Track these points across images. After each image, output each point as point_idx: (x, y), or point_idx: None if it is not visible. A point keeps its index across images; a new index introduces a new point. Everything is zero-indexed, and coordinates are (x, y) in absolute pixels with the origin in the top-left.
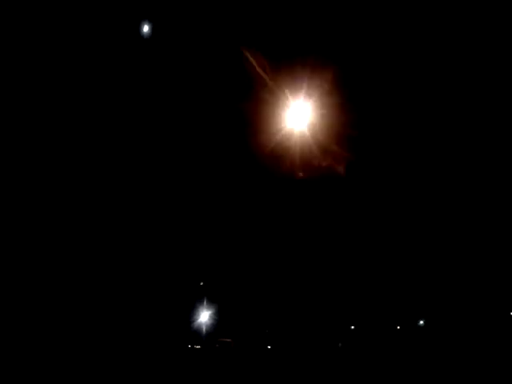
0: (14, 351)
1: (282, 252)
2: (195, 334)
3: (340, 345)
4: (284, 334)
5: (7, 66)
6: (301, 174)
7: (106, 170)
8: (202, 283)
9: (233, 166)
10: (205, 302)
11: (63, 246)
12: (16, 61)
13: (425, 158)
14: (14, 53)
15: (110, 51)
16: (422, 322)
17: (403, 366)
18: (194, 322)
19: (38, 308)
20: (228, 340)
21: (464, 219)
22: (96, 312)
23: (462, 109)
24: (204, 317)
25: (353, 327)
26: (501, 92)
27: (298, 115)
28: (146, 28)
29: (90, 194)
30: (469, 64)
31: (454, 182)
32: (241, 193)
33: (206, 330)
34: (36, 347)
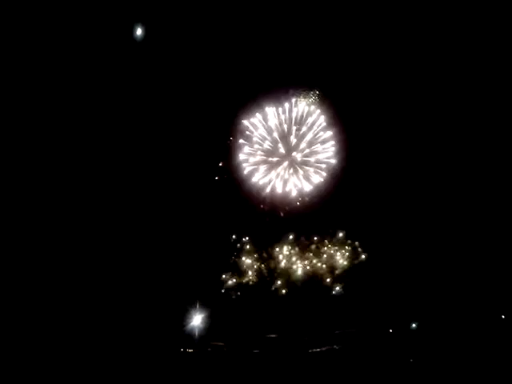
0: (14, 351)
1: (277, 255)
2: (188, 337)
3: (335, 347)
4: (276, 338)
5: (5, 65)
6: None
7: (105, 169)
8: (195, 284)
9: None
10: (197, 306)
11: (54, 247)
12: (14, 59)
13: (424, 157)
14: (11, 51)
15: (108, 52)
16: (414, 325)
17: (396, 368)
18: (186, 325)
19: (28, 308)
20: (220, 344)
21: (458, 223)
22: (89, 315)
23: (461, 109)
24: (197, 320)
25: (348, 331)
26: (501, 92)
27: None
28: (139, 30)
29: (84, 194)
30: (467, 64)
31: (440, 190)
32: (235, 199)
33: (199, 334)
34: (27, 347)
